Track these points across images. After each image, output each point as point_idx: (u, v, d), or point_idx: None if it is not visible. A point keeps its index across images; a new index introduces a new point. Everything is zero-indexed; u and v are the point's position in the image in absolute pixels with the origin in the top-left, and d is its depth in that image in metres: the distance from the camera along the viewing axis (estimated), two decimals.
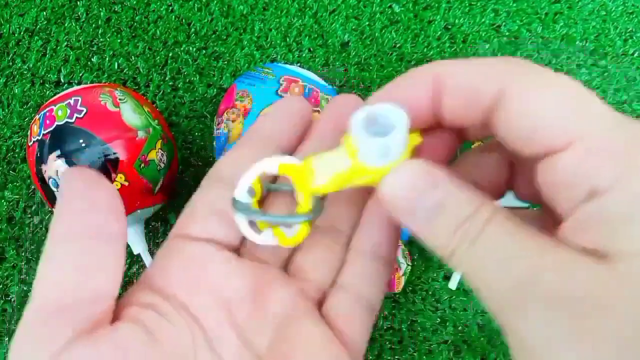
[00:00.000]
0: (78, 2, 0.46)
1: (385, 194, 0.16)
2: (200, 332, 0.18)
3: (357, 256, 0.20)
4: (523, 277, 0.14)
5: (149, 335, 0.16)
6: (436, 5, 0.45)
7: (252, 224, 0.19)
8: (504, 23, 0.45)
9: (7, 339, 0.38)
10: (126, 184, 0.33)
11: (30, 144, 0.34)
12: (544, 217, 0.18)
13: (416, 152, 0.18)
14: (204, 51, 0.44)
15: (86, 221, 0.17)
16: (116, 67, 0.44)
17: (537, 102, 0.15)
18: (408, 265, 0.36)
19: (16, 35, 0.45)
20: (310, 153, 0.18)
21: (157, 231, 0.40)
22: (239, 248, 0.20)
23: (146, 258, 0.37)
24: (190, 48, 0.44)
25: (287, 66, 0.36)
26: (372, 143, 0.16)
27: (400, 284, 0.35)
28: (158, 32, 0.45)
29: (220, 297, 0.18)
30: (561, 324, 0.13)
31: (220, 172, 0.20)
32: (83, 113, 0.33)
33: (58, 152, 0.32)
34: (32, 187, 0.41)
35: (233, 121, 0.34)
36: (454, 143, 0.19)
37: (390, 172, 0.16)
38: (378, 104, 0.16)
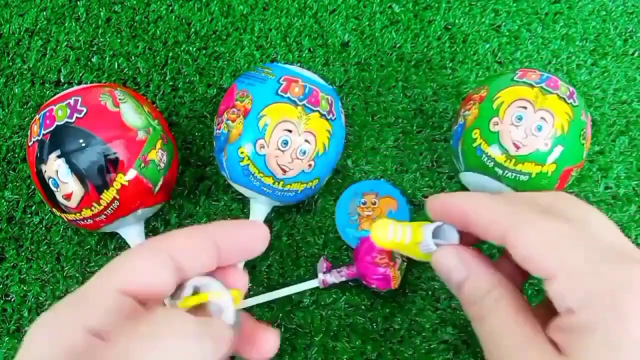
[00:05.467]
0: (78, 2, 0.46)
1: (435, 265, 0.26)
2: None
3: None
4: None
5: None
6: (436, 5, 0.45)
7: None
8: (504, 23, 0.45)
9: (7, 338, 0.38)
10: (126, 184, 0.33)
11: (30, 144, 0.34)
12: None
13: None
14: (204, 51, 0.44)
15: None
16: (116, 67, 0.44)
17: (528, 245, 0.22)
18: (404, 261, 0.36)
19: (16, 35, 0.45)
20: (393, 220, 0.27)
21: (157, 231, 0.40)
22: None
23: None
24: (190, 48, 0.44)
25: (287, 66, 0.36)
26: (430, 245, 0.26)
27: (396, 279, 0.35)
28: (158, 32, 0.45)
29: None
30: None
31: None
32: (83, 113, 0.33)
33: (58, 152, 0.32)
34: (32, 187, 0.41)
35: (233, 121, 0.34)
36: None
37: (431, 255, 0.26)
38: (446, 223, 0.26)
